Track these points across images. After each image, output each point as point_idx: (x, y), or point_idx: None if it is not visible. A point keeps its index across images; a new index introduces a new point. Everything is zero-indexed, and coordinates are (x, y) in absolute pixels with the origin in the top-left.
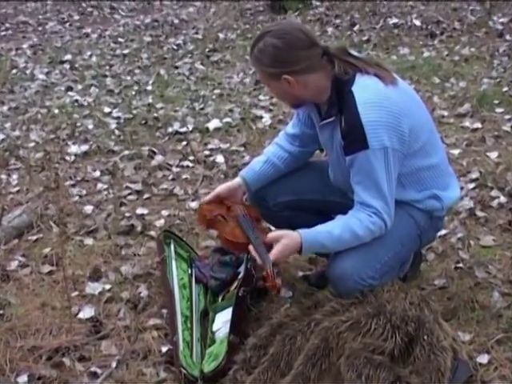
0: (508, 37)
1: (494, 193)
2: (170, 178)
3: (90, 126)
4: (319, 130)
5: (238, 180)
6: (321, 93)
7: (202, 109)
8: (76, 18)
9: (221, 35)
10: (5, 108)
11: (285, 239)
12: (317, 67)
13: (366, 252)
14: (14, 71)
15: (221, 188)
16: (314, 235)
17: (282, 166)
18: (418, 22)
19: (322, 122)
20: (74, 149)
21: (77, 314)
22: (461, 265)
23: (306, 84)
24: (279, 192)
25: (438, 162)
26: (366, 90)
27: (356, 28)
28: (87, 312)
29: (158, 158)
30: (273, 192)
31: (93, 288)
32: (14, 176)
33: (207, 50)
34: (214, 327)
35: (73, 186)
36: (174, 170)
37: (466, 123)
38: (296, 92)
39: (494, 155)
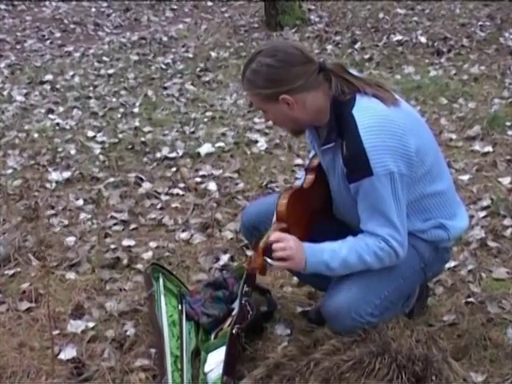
0: None
1: (506, 221)
2: (159, 206)
3: (73, 152)
4: (320, 155)
5: None
6: (320, 114)
7: (193, 132)
8: (57, 35)
9: (213, 54)
10: None
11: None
12: (314, 85)
13: (364, 286)
14: None
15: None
16: (318, 252)
17: None
18: (423, 39)
19: (322, 148)
20: (55, 176)
21: (57, 354)
22: (472, 299)
23: (304, 104)
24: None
25: (445, 189)
26: (367, 112)
27: (357, 45)
28: (69, 352)
29: (146, 186)
30: (266, 222)
31: (75, 326)
32: None
33: (198, 69)
34: (206, 368)
35: (54, 215)
36: (163, 198)
37: (476, 147)
38: (295, 113)
39: (506, 181)
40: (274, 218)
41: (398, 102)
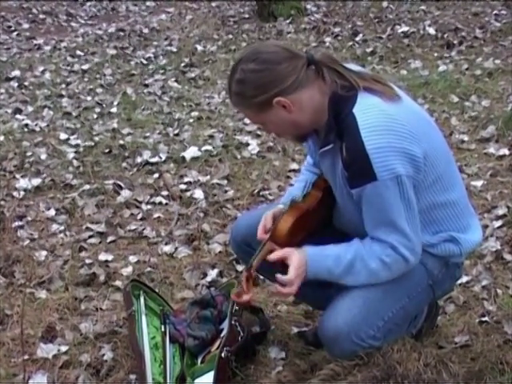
0: None
1: None
2: (139, 217)
3: (43, 156)
4: (319, 158)
5: (280, 206)
6: (319, 113)
7: (177, 135)
8: (25, 26)
9: (199, 47)
10: None
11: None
12: (307, 81)
13: (366, 307)
14: None
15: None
16: (321, 258)
17: None
18: (432, 30)
19: (321, 150)
20: (23, 183)
21: (26, 382)
22: (486, 318)
23: (301, 104)
24: None
25: (457, 199)
26: (370, 112)
27: (359, 38)
28: (39, 379)
29: (125, 194)
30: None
31: (46, 350)
32: None
33: (183, 64)
34: None
35: (22, 227)
36: (144, 207)
37: (491, 149)
38: (294, 116)
39: None
40: (265, 235)
41: (400, 99)
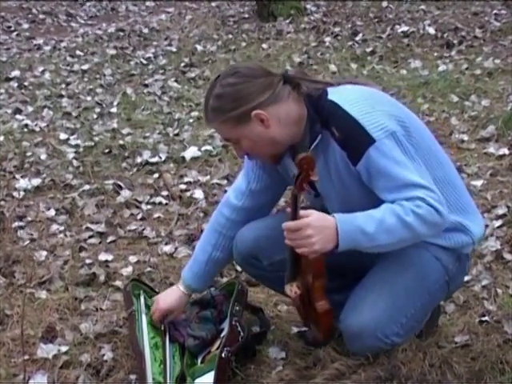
0: None
1: None
2: (139, 217)
3: (43, 156)
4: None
5: (178, 290)
6: (297, 125)
7: (177, 135)
8: (25, 26)
9: (199, 47)
10: None
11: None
12: (283, 95)
13: (391, 302)
14: None
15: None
16: (350, 218)
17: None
18: (431, 30)
19: (311, 149)
20: (23, 183)
21: (27, 382)
22: (486, 318)
23: (279, 118)
24: (275, 249)
25: (454, 181)
26: (344, 92)
27: (358, 37)
28: (39, 379)
29: (125, 194)
30: (267, 250)
31: (46, 350)
32: None
33: (182, 64)
34: None
35: (22, 227)
36: (144, 207)
37: (491, 149)
38: (272, 132)
39: None
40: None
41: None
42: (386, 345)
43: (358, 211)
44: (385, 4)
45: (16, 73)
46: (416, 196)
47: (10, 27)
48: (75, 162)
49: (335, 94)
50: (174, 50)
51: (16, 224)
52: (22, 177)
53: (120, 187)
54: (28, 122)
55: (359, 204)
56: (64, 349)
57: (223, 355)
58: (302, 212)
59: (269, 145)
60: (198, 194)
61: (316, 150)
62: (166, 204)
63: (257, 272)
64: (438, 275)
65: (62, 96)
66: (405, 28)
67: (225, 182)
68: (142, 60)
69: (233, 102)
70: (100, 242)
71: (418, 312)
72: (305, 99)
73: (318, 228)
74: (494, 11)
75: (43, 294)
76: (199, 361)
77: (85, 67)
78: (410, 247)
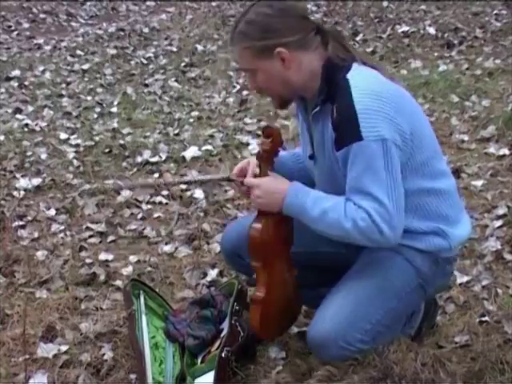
0: None
1: None
2: (140, 216)
3: (43, 156)
4: (313, 126)
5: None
6: (313, 80)
7: (178, 134)
8: (26, 26)
9: (199, 47)
10: None
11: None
12: (312, 45)
13: (352, 310)
14: None
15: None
16: (302, 194)
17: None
18: (432, 30)
19: (312, 113)
20: (23, 183)
21: (26, 381)
22: (487, 318)
23: (300, 64)
24: None
25: (447, 190)
26: (364, 78)
27: (359, 37)
28: (39, 379)
29: (125, 194)
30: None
31: (46, 350)
32: None
33: (183, 64)
34: None
35: (22, 227)
36: (144, 207)
37: (491, 149)
38: (289, 73)
39: None
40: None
41: (396, 81)
42: (353, 352)
43: (336, 189)
44: (385, 4)
45: (16, 72)
46: (365, 208)
47: (10, 27)
48: (75, 162)
49: (356, 77)
50: (175, 49)
51: (16, 223)
52: (22, 176)
53: (120, 187)
54: (28, 121)
55: (337, 184)
56: (64, 348)
57: (223, 355)
58: (263, 173)
59: (282, 84)
60: (198, 193)
61: (317, 116)
62: (166, 204)
63: (241, 269)
64: (408, 279)
65: (62, 95)
66: (405, 28)
67: (225, 181)
68: (142, 60)
69: (261, 32)
70: (100, 242)
71: (385, 317)
72: (324, 65)
73: (266, 190)
74: (495, 11)
75: (43, 294)
76: (199, 360)
77: (85, 67)
78: (383, 249)
